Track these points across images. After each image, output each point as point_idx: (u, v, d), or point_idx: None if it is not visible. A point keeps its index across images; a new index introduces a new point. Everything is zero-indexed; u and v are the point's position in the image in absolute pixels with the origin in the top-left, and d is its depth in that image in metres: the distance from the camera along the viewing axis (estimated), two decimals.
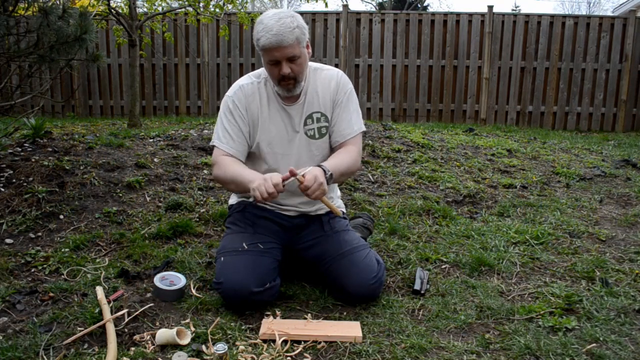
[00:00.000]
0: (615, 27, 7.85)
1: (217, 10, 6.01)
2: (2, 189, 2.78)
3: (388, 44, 8.00)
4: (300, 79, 2.03)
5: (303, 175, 1.83)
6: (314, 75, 2.14)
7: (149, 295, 2.05)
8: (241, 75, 7.95)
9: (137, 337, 1.76)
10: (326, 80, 2.14)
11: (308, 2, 6.42)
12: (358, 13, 8.22)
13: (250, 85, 2.11)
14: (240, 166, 2.04)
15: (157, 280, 2.05)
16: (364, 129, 2.20)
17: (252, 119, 2.10)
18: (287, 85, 2.01)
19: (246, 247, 2.03)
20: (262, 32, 1.92)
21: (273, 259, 2.05)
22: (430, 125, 7.15)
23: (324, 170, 1.92)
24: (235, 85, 2.14)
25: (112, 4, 5.70)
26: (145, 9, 6.74)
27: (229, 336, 1.79)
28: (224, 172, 2.03)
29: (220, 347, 1.58)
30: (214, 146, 2.11)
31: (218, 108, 6.90)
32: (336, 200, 2.30)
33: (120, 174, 3.19)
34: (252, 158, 2.16)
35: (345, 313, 1.99)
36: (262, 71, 2.14)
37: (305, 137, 2.12)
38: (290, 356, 1.69)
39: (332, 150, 2.17)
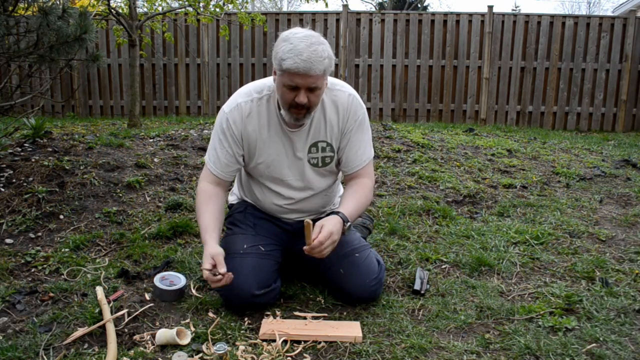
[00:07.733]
0: (615, 27, 7.84)
1: (217, 10, 6.01)
2: (2, 189, 2.78)
3: (388, 44, 8.00)
4: (313, 110, 1.90)
5: (313, 240, 1.83)
6: (323, 97, 1.97)
7: (148, 295, 2.05)
8: (241, 75, 8.01)
9: (137, 337, 1.77)
10: (335, 106, 2.01)
11: (308, 2, 6.41)
12: (358, 13, 8.21)
13: (249, 104, 1.97)
14: (209, 212, 1.97)
15: (157, 280, 2.05)
16: (372, 155, 2.14)
17: (248, 140, 2.00)
18: (299, 114, 1.87)
19: (247, 249, 2.02)
20: (290, 54, 1.74)
21: (274, 262, 2.05)
22: (430, 125, 7.15)
23: (343, 221, 1.89)
24: (232, 102, 2.00)
25: (112, 4, 5.70)
26: (145, 9, 6.75)
27: (229, 336, 1.79)
28: (198, 204, 2.02)
29: (220, 347, 1.58)
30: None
31: (218, 108, 6.88)
32: (337, 200, 2.30)
33: (120, 174, 3.19)
34: (251, 177, 2.14)
35: (345, 313, 1.99)
36: (265, 85, 2.00)
37: (307, 165, 2.06)
38: (290, 356, 1.69)
39: (342, 174, 2.15)
